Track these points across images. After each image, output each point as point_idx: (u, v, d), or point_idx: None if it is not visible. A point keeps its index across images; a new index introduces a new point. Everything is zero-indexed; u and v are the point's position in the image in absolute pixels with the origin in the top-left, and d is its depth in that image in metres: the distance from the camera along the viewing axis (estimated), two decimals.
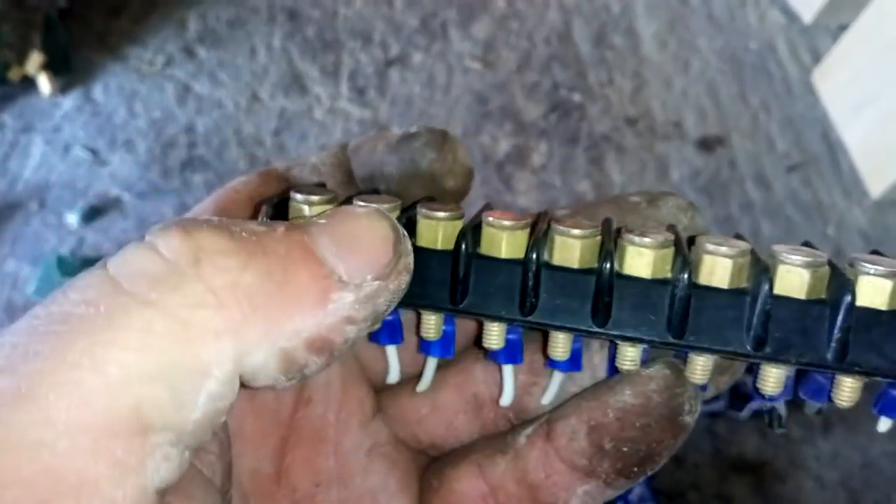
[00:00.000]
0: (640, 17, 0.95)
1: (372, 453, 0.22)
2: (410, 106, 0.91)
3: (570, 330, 0.19)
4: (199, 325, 0.14)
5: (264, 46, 0.97)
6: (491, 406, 0.22)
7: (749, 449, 0.69)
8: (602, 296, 0.18)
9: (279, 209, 0.20)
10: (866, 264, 0.17)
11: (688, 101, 0.88)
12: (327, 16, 0.99)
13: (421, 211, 0.19)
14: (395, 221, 0.17)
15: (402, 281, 0.16)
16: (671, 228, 0.20)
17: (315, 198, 0.20)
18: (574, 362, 0.20)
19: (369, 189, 0.22)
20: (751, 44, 0.92)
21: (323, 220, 0.16)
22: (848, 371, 0.18)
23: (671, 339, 0.18)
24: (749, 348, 0.18)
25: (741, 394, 0.69)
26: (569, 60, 0.93)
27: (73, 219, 0.88)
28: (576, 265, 0.19)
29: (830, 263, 0.18)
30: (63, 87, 0.96)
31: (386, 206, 0.19)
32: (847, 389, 0.18)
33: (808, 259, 0.17)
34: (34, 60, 0.93)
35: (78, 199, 0.89)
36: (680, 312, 0.18)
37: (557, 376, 0.21)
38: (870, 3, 0.80)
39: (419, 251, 0.19)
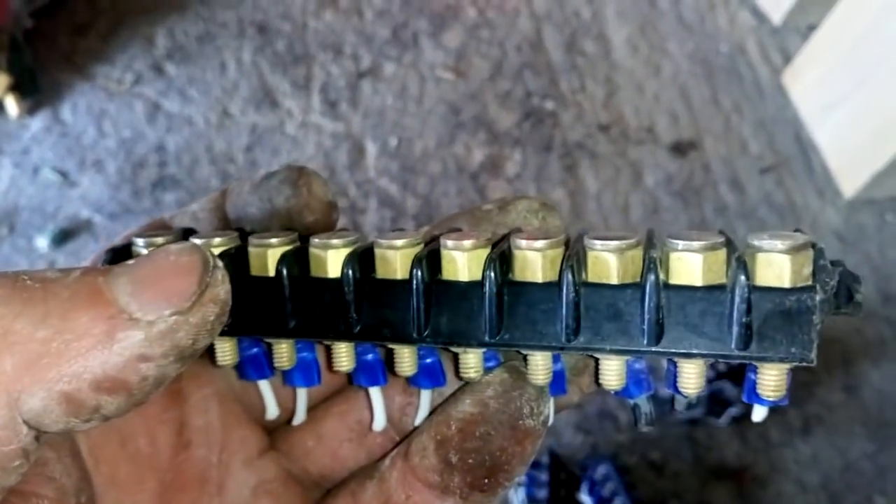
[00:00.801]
0: (610, 23, 0.95)
1: (258, 491, 0.22)
2: (383, 118, 0.90)
3: (396, 341, 0.19)
4: None
5: (234, 61, 0.96)
6: (374, 432, 0.22)
7: (729, 455, 0.69)
8: (419, 303, 0.18)
9: (124, 254, 0.20)
10: (675, 240, 0.16)
11: (660, 106, 0.88)
12: (297, 29, 0.98)
13: (314, 241, 0.19)
14: (208, 254, 0.16)
15: (208, 313, 0.16)
16: (499, 235, 0.19)
17: (159, 240, 0.20)
18: (433, 377, 0.20)
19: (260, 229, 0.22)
20: (721, 46, 0.92)
21: (132, 261, 0.16)
22: (666, 355, 0.17)
23: (487, 340, 0.18)
24: (563, 340, 0.17)
25: (719, 400, 0.69)
26: (540, 68, 0.92)
27: (43, 243, 0.87)
28: (398, 276, 0.18)
29: (649, 242, 0.17)
30: (31, 109, 0.95)
31: (276, 240, 0.19)
32: (687, 374, 0.18)
33: (619, 243, 0.17)
34: (0, 82, 0.92)
35: (48, 223, 0.87)
36: (494, 311, 0.17)
37: (425, 394, 0.20)
38: (837, 2, 0.80)
39: (307, 281, 0.19)
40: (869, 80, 0.76)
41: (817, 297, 0.16)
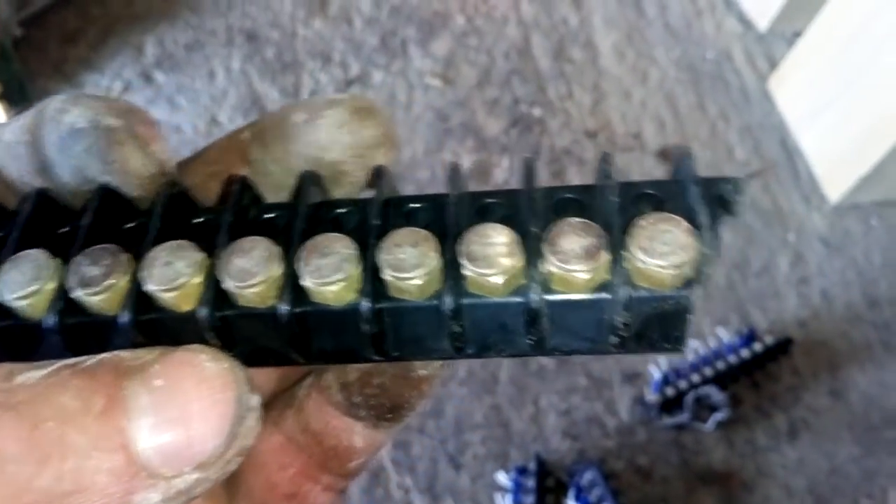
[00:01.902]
0: (597, 30, 0.95)
1: None
2: None
3: (280, 365, 0.18)
4: None
5: (223, 69, 0.97)
6: None
7: (716, 459, 0.69)
8: (292, 329, 0.17)
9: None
10: (556, 255, 0.15)
11: (647, 113, 0.89)
12: (286, 36, 0.98)
13: (150, 285, 0.16)
14: (245, 386, 0.14)
15: (230, 466, 0.14)
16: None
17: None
18: None
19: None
20: (708, 53, 0.93)
21: (157, 383, 0.14)
22: (550, 356, 0.18)
23: (375, 358, 0.17)
24: (453, 353, 0.17)
25: (706, 405, 0.69)
26: (528, 75, 0.93)
27: None
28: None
29: (533, 245, 0.16)
30: None
31: (103, 285, 0.16)
32: None
33: (497, 269, 0.16)
34: None
35: None
36: (376, 332, 0.17)
37: None
38: (822, 9, 0.81)
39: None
40: (853, 86, 0.77)
41: (693, 297, 0.15)
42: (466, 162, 0.88)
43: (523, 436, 0.71)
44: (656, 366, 0.71)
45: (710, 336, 0.74)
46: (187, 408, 0.14)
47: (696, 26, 0.95)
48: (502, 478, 0.67)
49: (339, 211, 0.18)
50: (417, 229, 0.16)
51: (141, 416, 0.13)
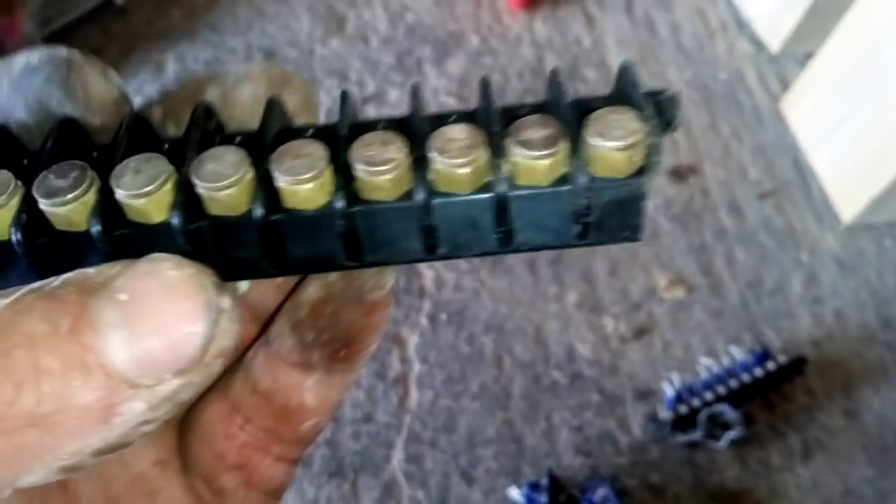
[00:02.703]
0: (611, 51, 0.97)
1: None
2: None
3: (252, 277, 0.18)
4: None
5: None
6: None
7: (729, 479, 0.69)
8: (266, 236, 0.17)
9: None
10: (519, 146, 0.16)
11: None
12: (304, 55, 1.00)
13: (121, 191, 0.16)
14: (212, 292, 0.14)
15: (213, 369, 0.14)
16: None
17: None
18: None
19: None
20: (720, 73, 0.94)
21: (121, 296, 0.13)
22: (516, 252, 0.18)
23: (348, 264, 0.18)
24: (424, 254, 0.18)
25: (719, 423, 0.69)
26: (542, 94, 0.94)
27: None
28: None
29: (496, 143, 0.17)
30: None
31: (71, 194, 0.15)
32: None
33: (464, 159, 0.16)
34: None
35: None
36: (350, 235, 0.17)
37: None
38: (834, 30, 0.81)
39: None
40: (865, 107, 0.77)
41: (647, 183, 0.17)
42: None
43: (536, 451, 0.71)
44: (669, 383, 0.71)
45: (723, 354, 0.74)
46: (157, 318, 0.13)
47: (708, 47, 0.96)
48: (514, 493, 0.67)
49: (306, 134, 0.18)
50: (386, 131, 0.17)
51: (110, 331, 0.13)
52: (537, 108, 0.18)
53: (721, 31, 0.97)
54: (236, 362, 0.22)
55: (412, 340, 0.77)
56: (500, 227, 0.17)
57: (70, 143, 0.17)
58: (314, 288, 0.20)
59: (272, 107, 0.19)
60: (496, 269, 0.80)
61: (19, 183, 0.16)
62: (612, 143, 0.16)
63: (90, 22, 1.03)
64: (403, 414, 0.73)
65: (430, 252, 0.18)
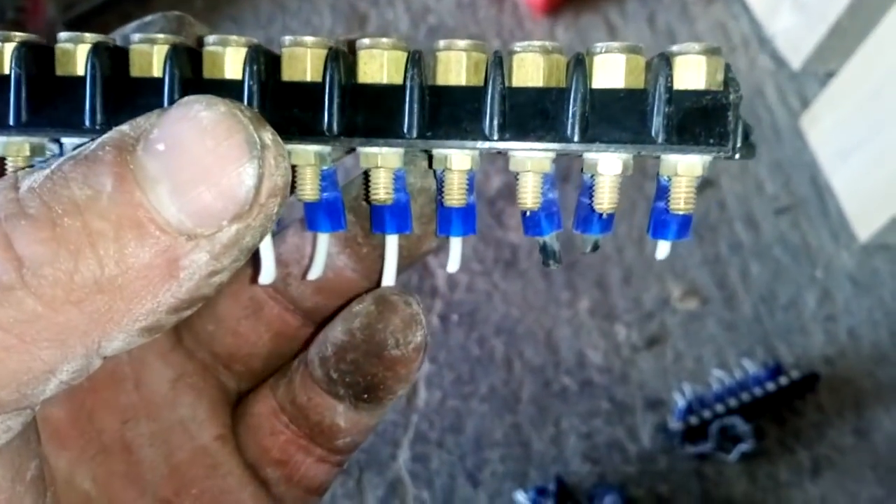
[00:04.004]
0: None
1: (177, 385, 0.22)
2: None
3: (306, 139, 0.19)
4: (39, 337, 0.13)
5: None
6: (272, 304, 0.22)
7: (737, 492, 0.69)
8: (333, 101, 0.18)
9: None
10: (598, 44, 0.18)
11: None
12: None
13: (210, 39, 0.18)
14: (250, 125, 0.13)
15: (270, 209, 0.14)
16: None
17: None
18: (333, 216, 0.20)
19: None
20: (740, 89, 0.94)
21: (160, 147, 0.13)
22: (589, 146, 0.18)
23: (409, 137, 0.18)
24: (489, 135, 0.18)
25: (730, 436, 0.68)
26: None
27: None
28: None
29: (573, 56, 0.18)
30: None
31: (162, 36, 0.18)
32: (603, 188, 0.18)
33: (543, 45, 0.18)
34: None
35: None
36: (416, 109, 0.18)
37: (321, 240, 0.20)
38: (857, 51, 0.81)
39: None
40: (886, 128, 0.77)
41: (731, 97, 0.17)
42: (496, 181, 0.88)
43: (543, 456, 0.70)
44: (681, 394, 0.71)
45: (735, 367, 0.73)
46: (198, 164, 0.13)
47: (729, 62, 0.96)
48: (521, 497, 0.67)
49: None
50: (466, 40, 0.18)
51: (154, 185, 0.13)
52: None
53: (742, 46, 0.97)
54: (287, 368, 0.22)
55: None
56: (572, 119, 0.17)
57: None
58: (340, 332, 0.20)
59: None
60: (509, 272, 0.80)
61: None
62: (694, 46, 0.17)
63: (112, 8, 1.03)
64: (411, 413, 0.72)
65: (496, 137, 0.18)
